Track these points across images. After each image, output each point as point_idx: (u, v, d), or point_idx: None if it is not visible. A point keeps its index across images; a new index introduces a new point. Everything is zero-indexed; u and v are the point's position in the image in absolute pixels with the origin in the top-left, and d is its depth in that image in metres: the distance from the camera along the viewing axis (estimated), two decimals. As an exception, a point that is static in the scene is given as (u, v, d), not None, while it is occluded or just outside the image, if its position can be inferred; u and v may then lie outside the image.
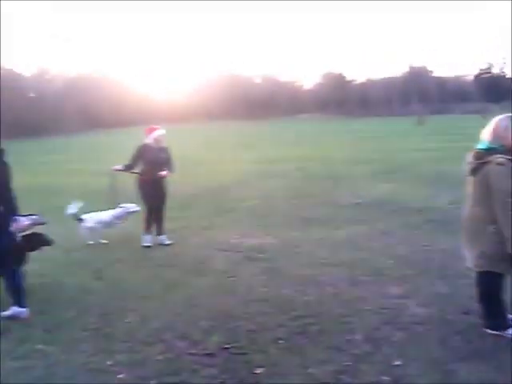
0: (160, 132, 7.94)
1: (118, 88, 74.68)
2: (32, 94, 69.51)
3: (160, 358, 4.18)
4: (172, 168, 8.00)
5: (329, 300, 5.26)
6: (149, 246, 7.73)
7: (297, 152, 21.84)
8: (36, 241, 5.94)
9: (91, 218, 8.03)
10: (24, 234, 5.71)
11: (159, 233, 7.99)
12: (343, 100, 73.12)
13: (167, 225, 9.06)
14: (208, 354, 4.20)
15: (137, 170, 7.89)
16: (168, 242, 7.86)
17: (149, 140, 7.86)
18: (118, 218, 8.22)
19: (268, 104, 75.13)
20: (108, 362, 4.12)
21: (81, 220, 8.01)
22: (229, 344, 4.35)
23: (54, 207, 11.46)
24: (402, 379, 3.68)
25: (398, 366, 3.86)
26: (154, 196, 7.83)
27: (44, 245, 6.07)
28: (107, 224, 8.16)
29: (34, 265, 6.99)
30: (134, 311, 5.20)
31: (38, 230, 5.88)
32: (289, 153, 21.66)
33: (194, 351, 4.27)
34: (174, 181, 14.67)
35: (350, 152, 20.12)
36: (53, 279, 6.40)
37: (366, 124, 38.78)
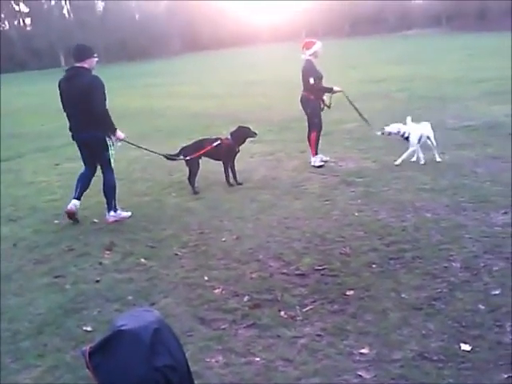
0: (319, 45, 7.67)
1: (218, 10, 73.99)
2: (137, 16, 70.86)
3: (254, 276, 4.33)
4: None
5: (427, 226, 5.08)
6: (322, 166, 7.68)
7: (402, 71, 20.67)
8: (243, 134, 7.13)
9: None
10: (232, 130, 7.12)
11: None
12: (458, 13, 67.11)
13: (265, 148, 9.16)
14: (300, 275, 4.28)
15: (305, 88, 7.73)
16: (325, 159, 7.84)
17: (309, 55, 7.63)
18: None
19: (374, 20, 70.96)
20: (205, 278, 4.35)
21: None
22: (321, 266, 4.39)
23: (156, 129, 11.99)
24: (500, 309, 3.52)
25: (496, 295, 3.69)
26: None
27: (249, 137, 7.22)
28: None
29: (139, 185, 7.44)
30: (229, 231, 5.39)
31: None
32: (394, 72, 20.56)
33: (286, 271, 4.36)
34: (274, 104, 14.72)
35: (461, 71, 18.63)
36: (155, 198, 6.76)
37: (483, 40, 35.59)
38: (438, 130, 9.40)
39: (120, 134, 5.84)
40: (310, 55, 7.64)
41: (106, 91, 5.65)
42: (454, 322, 3.40)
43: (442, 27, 64.49)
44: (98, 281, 4.45)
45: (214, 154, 7.03)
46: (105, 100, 5.64)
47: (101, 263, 4.82)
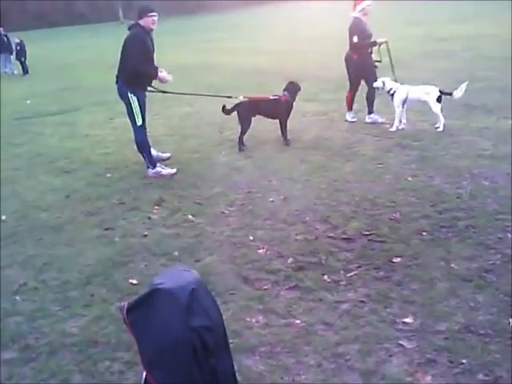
0: (368, 2, 7.47)
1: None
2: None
3: (299, 237, 4.28)
4: None
5: (483, 195, 4.86)
6: (354, 121, 7.89)
7: (468, 29, 19.59)
8: (296, 88, 7.08)
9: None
10: (285, 87, 7.10)
11: (370, 111, 7.88)
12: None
13: (318, 107, 8.96)
14: (346, 239, 4.20)
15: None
16: (381, 120, 7.75)
17: (358, 12, 7.50)
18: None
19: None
20: (250, 237, 4.33)
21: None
22: (369, 231, 4.29)
23: (209, 85, 11.91)
24: (557, 284, 3.34)
25: (553, 270, 3.51)
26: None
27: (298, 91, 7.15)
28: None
29: (190, 141, 7.46)
30: (277, 191, 5.33)
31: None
32: (459, 30, 19.51)
33: (332, 234, 4.29)
34: (331, 61, 14.30)
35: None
36: (205, 155, 6.76)
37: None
38: (505, 93, 8.95)
39: (164, 76, 5.84)
40: (358, 12, 7.43)
41: (144, 49, 5.67)
42: (506, 296, 3.25)
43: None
44: (145, 235, 4.53)
45: (271, 112, 6.96)
46: (138, 58, 5.63)
47: (149, 218, 4.90)
